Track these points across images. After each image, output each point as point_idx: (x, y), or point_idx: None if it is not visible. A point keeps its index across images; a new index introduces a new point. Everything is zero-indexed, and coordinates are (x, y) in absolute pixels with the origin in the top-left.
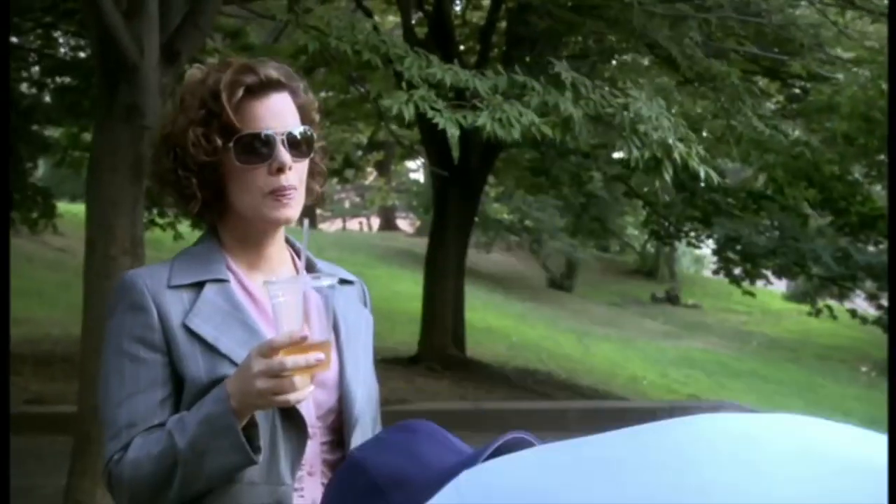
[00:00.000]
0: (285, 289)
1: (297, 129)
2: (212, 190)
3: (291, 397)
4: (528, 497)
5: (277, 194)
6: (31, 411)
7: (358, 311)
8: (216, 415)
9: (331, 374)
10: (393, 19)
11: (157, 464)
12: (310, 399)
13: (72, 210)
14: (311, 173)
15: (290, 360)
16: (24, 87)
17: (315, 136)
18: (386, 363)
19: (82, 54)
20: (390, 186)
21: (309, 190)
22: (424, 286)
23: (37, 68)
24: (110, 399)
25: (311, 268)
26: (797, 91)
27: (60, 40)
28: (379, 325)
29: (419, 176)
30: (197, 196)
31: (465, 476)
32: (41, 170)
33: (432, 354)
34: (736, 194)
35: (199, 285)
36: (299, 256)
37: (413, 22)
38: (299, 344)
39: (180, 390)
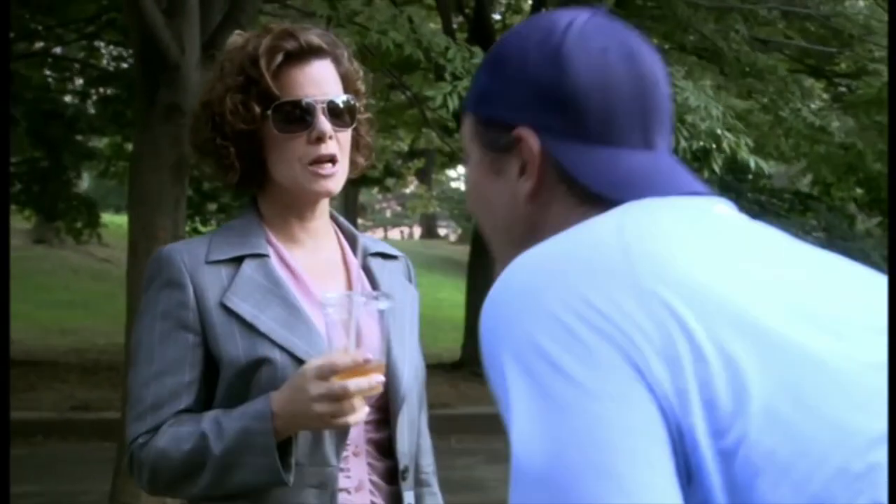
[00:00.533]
0: (339, 305)
1: (340, 98)
2: (251, 160)
3: (351, 419)
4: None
5: (317, 165)
6: (77, 418)
7: (403, 287)
8: (256, 431)
9: (375, 351)
10: (434, 26)
11: (186, 461)
12: None
13: (116, 221)
14: (356, 145)
15: (353, 383)
16: (68, 97)
17: (359, 106)
18: (430, 369)
19: (125, 65)
20: (431, 194)
21: (353, 163)
22: (467, 293)
23: (80, 80)
24: (138, 377)
25: (352, 241)
26: (843, 89)
27: (103, 51)
28: (422, 331)
29: (460, 185)
30: (235, 166)
31: (630, 209)
32: (86, 182)
33: (476, 360)
34: (781, 195)
35: (237, 260)
36: (345, 235)
37: (454, 27)
38: (361, 367)
39: (213, 371)
